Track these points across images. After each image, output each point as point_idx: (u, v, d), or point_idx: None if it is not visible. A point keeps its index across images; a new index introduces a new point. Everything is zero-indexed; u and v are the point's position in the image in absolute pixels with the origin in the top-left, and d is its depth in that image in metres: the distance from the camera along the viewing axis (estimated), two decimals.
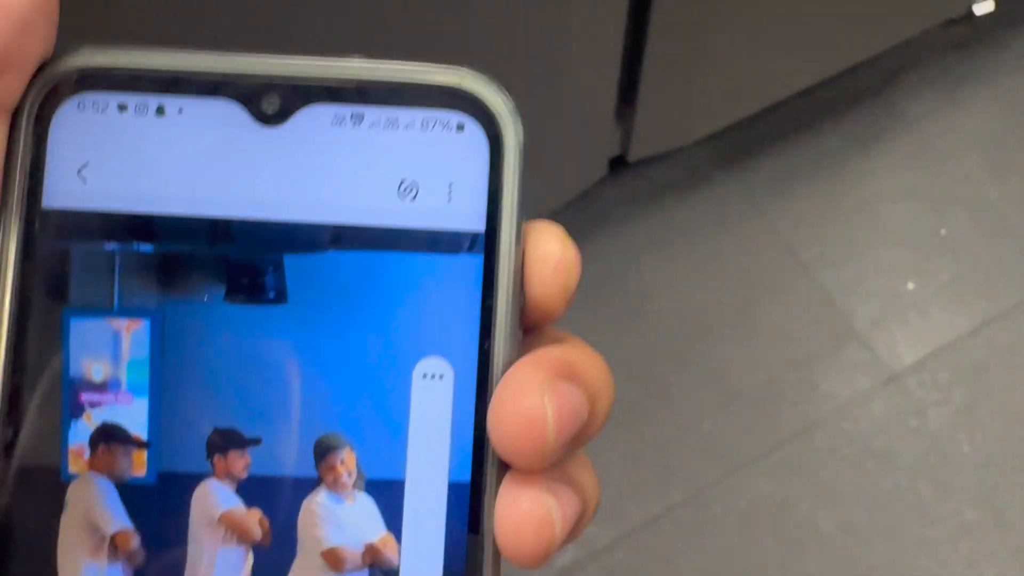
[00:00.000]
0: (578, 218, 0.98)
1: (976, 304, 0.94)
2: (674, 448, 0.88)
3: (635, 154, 0.94)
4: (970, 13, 1.06)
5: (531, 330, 0.21)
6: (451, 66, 0.20)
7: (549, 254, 0.20)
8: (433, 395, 0.19)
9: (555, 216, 0.97)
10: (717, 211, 0.99)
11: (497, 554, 0.19)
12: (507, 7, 0.68)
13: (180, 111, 0.19)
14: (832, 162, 1.01)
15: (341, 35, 0.61)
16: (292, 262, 0.20)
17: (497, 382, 0.19)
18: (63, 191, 0.19)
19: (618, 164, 0.97)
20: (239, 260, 0.20)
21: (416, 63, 0.20)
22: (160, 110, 0.19)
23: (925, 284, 0.95)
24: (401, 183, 0.20)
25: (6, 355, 0.19)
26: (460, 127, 0.20)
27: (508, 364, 0.19)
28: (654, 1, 0.76)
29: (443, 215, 0.20)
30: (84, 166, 0.19)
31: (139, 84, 0.19)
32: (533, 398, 0.18)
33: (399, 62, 0.20)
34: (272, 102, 0.19)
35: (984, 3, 1.06)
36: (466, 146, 0.20)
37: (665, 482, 0.87)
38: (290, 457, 0.19)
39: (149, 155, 0.19)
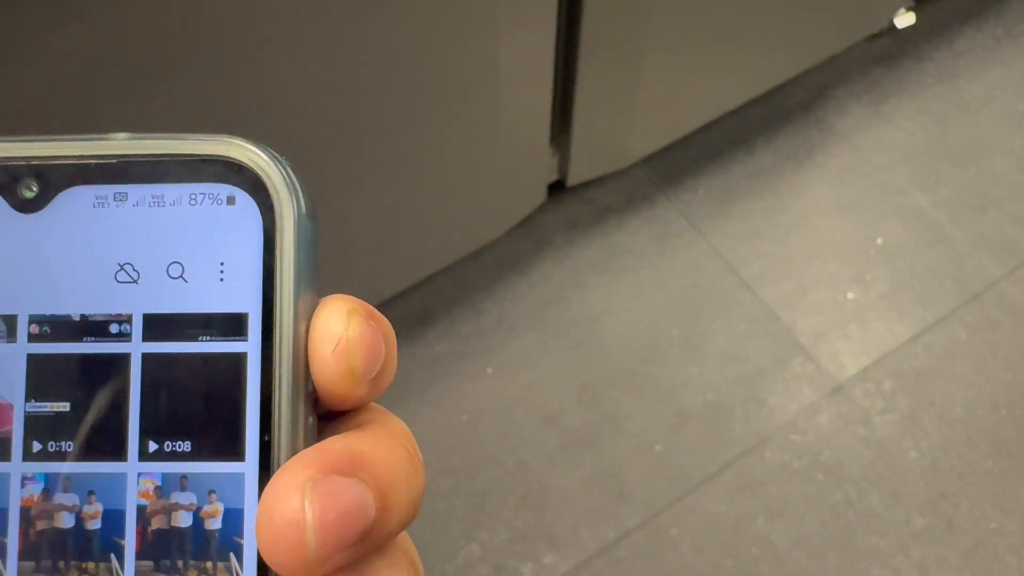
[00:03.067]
0: (521, 244, 0.98)
1: (914, 312, 0.95)
2: (627, 472, 0.88)
3: (573, 179, 0.94)
4: (892, 27, 1.09)
5: (337, 414, 0.19)
6: (219, 136, 0.18)
7: (329, 334, 0.18)
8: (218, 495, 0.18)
9: (497, 244, 0.96)
10: (658, 232, 0.99)
11: None
12: (435, 39, 0.68)
13: None
14: (767, 179, 1.03)
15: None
16: (60, 356, 0.18)
17: None
18: None
19: (557, 189, 0.97)
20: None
21: (182, 136, 0.18)
22: None
23: (864, 294, 0.96)
24: (170, 264, 0.18)
25: None
26: (231, 200, 0.18)
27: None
28: (583, 26, 0.77)
29: (215, 296, 0.18)
30: None
31: None
32: (291, 501, 0.16)
33: (164, 136, 0.18)
34: (30, 186, 0.18)
35: (905, 16, 1.09)
36: (237, 220, 0.18)
37: (620, 507, 0.86)
38: None
39: None
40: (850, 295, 0.96)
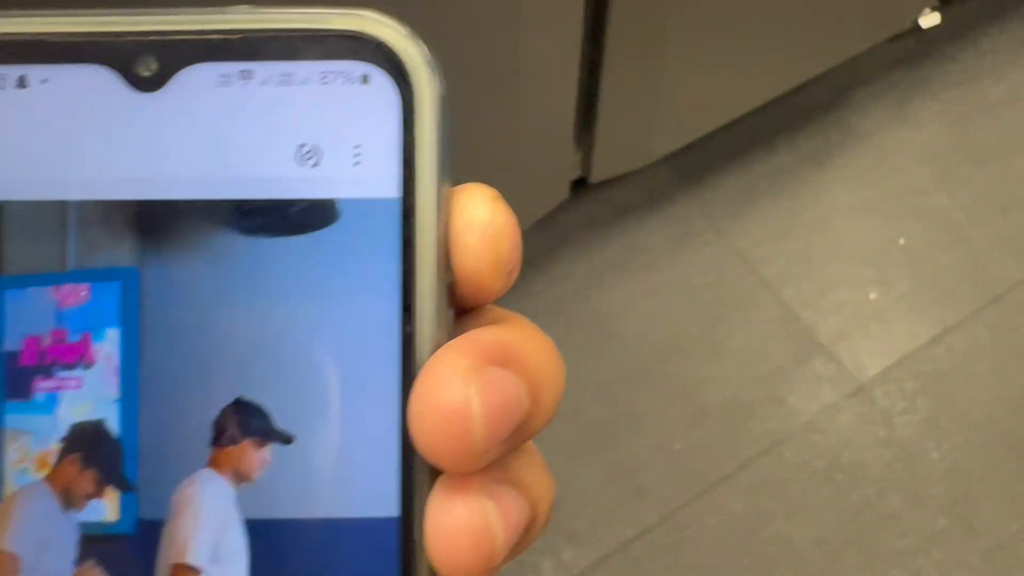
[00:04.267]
0: (541, 241, 0.98)
1: (935, 312, 0.95)
2: (645, 470, 0.88)
3: (596, 176, 0.94)
4: (916, 27, 1.09)
5: (467, 311, 0.18)
6: (352, 10, 0.17)
7: (475, 220, 0.17)
8: (354, 386, 0.17)
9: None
10: (678, 231, 0.99)
11: (432, 572, 0.17)
12: (463, 33, 0.68)
13: (44, 81, 0.17)
14: (788, 179, 1.02)
15: None
16: (186, 242, 0.17)
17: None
18: None
19: (579, 187, 0.97)
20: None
21: (311, 9, 0.17)
22: (21, 81, 0.17)
23: (886, 294, 0.96)
24: (300, 147, 0.17)
25: None
26: (365, 79, 0.17)
27: (434, 350, 0.17)
28: (609, 24, 0.77)
29: (350, 181, 0.17)
30: None
31: None
32: (455, 389, 0.15)
33: (289, 10, 0.17)
34: (148, 64, 0.17)
35: (930, 16, 1.08)
36: (373, 101, 0.17)
37: (638, 505, 0.86)
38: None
39: (12, 132, 0.17)
40: (872, 295, 0.96)
